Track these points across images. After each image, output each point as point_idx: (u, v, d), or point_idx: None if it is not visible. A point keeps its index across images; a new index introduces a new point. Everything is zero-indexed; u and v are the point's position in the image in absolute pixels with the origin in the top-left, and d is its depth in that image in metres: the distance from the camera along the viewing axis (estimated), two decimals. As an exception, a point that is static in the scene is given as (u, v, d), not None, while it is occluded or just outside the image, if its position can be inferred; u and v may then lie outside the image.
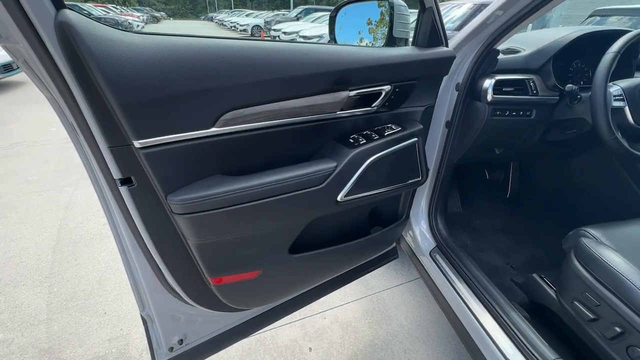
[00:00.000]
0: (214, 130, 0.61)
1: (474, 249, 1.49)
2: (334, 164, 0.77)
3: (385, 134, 0.85)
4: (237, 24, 17.65)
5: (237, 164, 0.68)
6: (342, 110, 0.77)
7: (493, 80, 1.14)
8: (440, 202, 1.34)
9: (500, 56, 1.21)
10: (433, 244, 1.35)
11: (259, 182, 0.67)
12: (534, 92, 1.19)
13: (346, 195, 0.82)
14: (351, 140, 0.81)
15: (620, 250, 0.96)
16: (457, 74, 1.15)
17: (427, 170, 0.97)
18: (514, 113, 1.20)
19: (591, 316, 0.91)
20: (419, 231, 1.39)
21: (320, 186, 0.76)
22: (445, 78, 1.11)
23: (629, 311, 0.83)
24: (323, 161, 0.77)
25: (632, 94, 1.05)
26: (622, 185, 1.41)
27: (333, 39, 0.97)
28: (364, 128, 0.86)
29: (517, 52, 1.29)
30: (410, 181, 0.95)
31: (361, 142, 0.81)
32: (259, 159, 0.71)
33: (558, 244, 1.34)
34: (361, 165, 0.80)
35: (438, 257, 1.31)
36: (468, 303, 1.13)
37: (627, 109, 1.04)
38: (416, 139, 0.89)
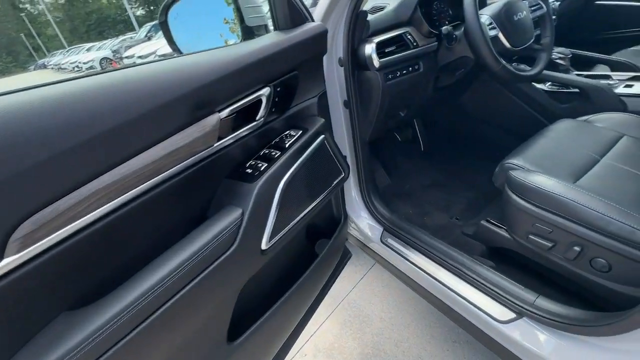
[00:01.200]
0: (6, 261, 0.35)
1: (418, 215, 1.44)
2: (239, 211, 0.57)
3: (287, 145, 0.67)
4: (79, 62, 15.25)
5: (87, 283, 0.43)
6: (220, 139, 0.56)
7: (373, 45, 1.04)
8: (369, 185, 1.24)
9: (369, 17, 1.12)
10: (380, 229, 1.25)
11: (140, 290, 0.43)
12: (415, 44, 1.14)
13: (271, 239, 0.63)
14: (249, 171, 0.61)
15: (547, 171, 0.97)
16: (335, 48, 1.03)
17: (347, 163, 0.83)
18: (404, 72, 1.13)
19: (549, 244, 0.91)
20: (363, 222, 1.27)
21: (234, 246, 0.56)
22: (325, 57, 0.97)
23: (578, 227, 0.83)
24: (223, 213, 0.56)
25: (499, 19, 1.06)
26: (514, 107, 1.49)
27: (176, 50, 0.73)
28: (258, 148, 0.66)
29: (383, 8, 1.22)
30: (334, 182, 0.80)
31: (262, 169, 0.61)
32: (122, 258, 0.46)
33: (485, 179, 1.37)
34: (273, 196, 0.61)
35: (389, 240, 1.22)
36: (434, 275, 1.06)
37: (500, 35, 1.05)
38: (322, 136, 0.73)
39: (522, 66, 1.23)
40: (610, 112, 1.16)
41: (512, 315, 0.90)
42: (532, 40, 1.04)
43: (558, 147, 1.05)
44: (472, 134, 1.78)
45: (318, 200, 0.74)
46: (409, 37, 1.14)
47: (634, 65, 1.38)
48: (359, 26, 1.00)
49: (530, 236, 0.95)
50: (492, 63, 0.97)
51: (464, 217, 1.39)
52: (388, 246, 1.21)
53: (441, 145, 1.87)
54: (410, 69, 1.16)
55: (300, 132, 0.70)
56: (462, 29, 1.08)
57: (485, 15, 1.06)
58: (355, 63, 1.06)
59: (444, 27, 1.13)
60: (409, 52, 1.13)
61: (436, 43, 1.20)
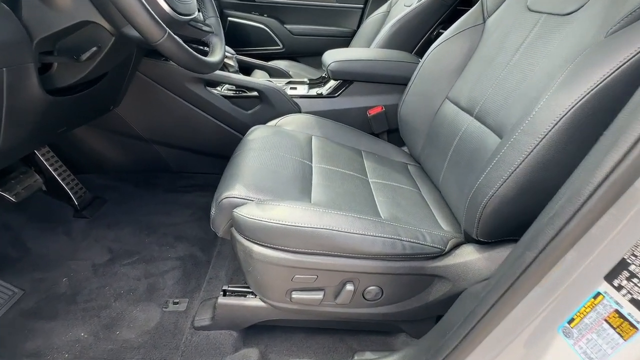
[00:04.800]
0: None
1: (104, 328, 0.78)
2: None
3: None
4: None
5: None
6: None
7: None
8: None
9: None
10: None
11: None
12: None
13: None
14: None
15: (277, 194, 0.69)
16: None
17: None
18: None
19: (319, 296, 0.63)
20: None
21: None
22: None
23: (346, 261, 0.62)
24: None
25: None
26: (198, 119, 1.14)
27: None
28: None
29: None
30: None
31: None
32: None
33: (197, 227, 0.94)
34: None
35: None
36: None
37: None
38: None
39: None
40: (291, 115, 1.10)
41: None
42: (196, 13, 0.71)
43: (270, 160, 0.81)
44: (154, 166, 1.29)
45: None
46: None
47: (287, 73, 1.46)
48: None
49: (294, 294, 0.64)
50: (151, 29, 0.52)
51: (186, 298, 0.90)
52: None
53: (109, 190, 1.23)
54: None
55: None
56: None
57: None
58: None
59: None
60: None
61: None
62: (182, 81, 1.05)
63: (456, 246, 0.71)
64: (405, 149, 1.21)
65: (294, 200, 0.69)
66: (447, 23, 1.46)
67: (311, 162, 0.90)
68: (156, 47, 0.53)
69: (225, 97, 1.13)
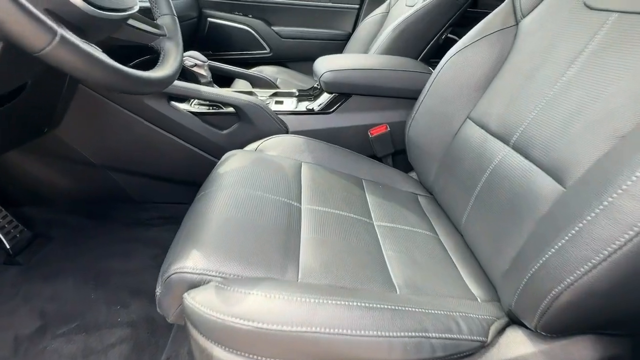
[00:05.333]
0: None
1: None
2: None
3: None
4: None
5: None
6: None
7: None
8: None
9: None
10: None
11: None
12: None
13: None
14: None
15: (247, 265, 0.48)
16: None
17: None
18: None
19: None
20: None
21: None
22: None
23: None
24: None
25: None
26: (160, 141, 0.92)
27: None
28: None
29: None
30: None
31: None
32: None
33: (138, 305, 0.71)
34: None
35: None
36: None
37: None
38: None
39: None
40: (276, 136, 0.90)
41: None
42: (135, 7, 0.51)
43: (244, 206, 0.61)
44: (112, 195, 1.07)
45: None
46: None
47: (273, 82, 1.25)
48: None
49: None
50: (26, 31, 0.32)
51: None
52: None
53: (55, 225, 1.01)
54: None
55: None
56: None
57: None
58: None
59: None
60: None
61: None
62: (139, 96, 0.84)
63: (500, 331, 0.52)
64: (413, 174, 1.02)
65: (274, 276, 0.49)
66: (456, 27, 1.28)
67: (300, 203, 0.69)
68: (42, 59, 0.33)
69: (195, 114, 0.92)
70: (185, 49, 1.15)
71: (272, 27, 1.78)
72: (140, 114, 0.86)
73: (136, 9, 0.51)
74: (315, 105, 1.00)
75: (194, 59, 0.94)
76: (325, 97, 1.00)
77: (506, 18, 0.77)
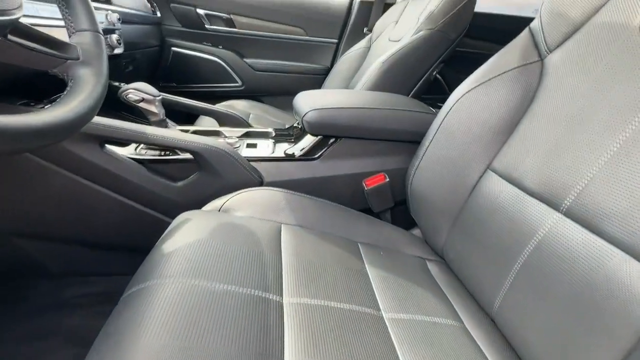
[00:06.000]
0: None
1: None
2: None
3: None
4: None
5: None
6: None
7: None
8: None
9: None
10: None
11: None
12: None
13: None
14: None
15: None
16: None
17: None
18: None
19: None
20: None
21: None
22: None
23: None
24: None
25: None
26: (90, 198, 0.69)
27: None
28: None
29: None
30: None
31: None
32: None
33: None
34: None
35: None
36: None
37: None
38: None
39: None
40: (248, 190, 0.70)
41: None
42: (16, 15, 0.32)
43: (197, 309, 0.40)
44: (22, 268, 0.80)
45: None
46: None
47: (244, 120, 1.07)
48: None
49: None
50: None
51: None
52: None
53: None
54: None
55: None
56: None
57: None
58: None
59: None
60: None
61: None
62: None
63: None
64: (415, 231, 0.85)
65: None
66: (445, 63, 1.19)
67: (280, 296, 0.49)
68: None
69: (140, 161, 0.71)
70: (147, 79, 0.97)
71: (245, 60, 1.64)
72: (59, 163, 0.63)
73: (19, 14, 0.31)
74: (297, 149, 0.82)
75: (142, 92, 0.74)
76: (308, 140, 0.82)
77: (526, 53, 0.65)
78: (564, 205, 0.48)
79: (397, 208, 0.85)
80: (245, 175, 0.74)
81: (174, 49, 1.55)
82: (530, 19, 0.68)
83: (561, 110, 0.54)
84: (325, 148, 0.81)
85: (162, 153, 0.74)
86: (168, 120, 0.83)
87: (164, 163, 0.73)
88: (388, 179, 0.79)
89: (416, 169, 0.73)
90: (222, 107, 1.13)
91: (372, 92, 1.02)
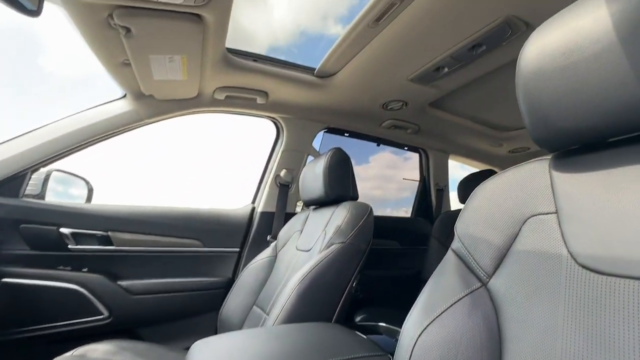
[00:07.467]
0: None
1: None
2: None
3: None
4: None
5: None
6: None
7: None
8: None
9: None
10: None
11: None
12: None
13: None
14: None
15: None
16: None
17: None
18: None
19: None
20: None
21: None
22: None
23: None
24: None
25: None
26: None
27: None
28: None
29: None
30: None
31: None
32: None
33: None
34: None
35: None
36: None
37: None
38: None
39: None
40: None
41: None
42: None
43: None
44: None
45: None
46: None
47: None
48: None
49: None
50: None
51: None
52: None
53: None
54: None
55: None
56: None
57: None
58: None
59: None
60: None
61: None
62: None
63: None
64: None
65: None
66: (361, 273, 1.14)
67: None
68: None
69: None
70: None
71: (120, 282, 1.29)
72: None
73: None
74: None
75: None
76: None
77: (465, 280, 0.59)
78: None
79: None
80: None
81: (4, 280, 1.10)
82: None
83: (533, 339, 0.44)
84: None
85: None
86: None
87: None
88: None
89: None
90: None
91: (288, 327, 0.80)
